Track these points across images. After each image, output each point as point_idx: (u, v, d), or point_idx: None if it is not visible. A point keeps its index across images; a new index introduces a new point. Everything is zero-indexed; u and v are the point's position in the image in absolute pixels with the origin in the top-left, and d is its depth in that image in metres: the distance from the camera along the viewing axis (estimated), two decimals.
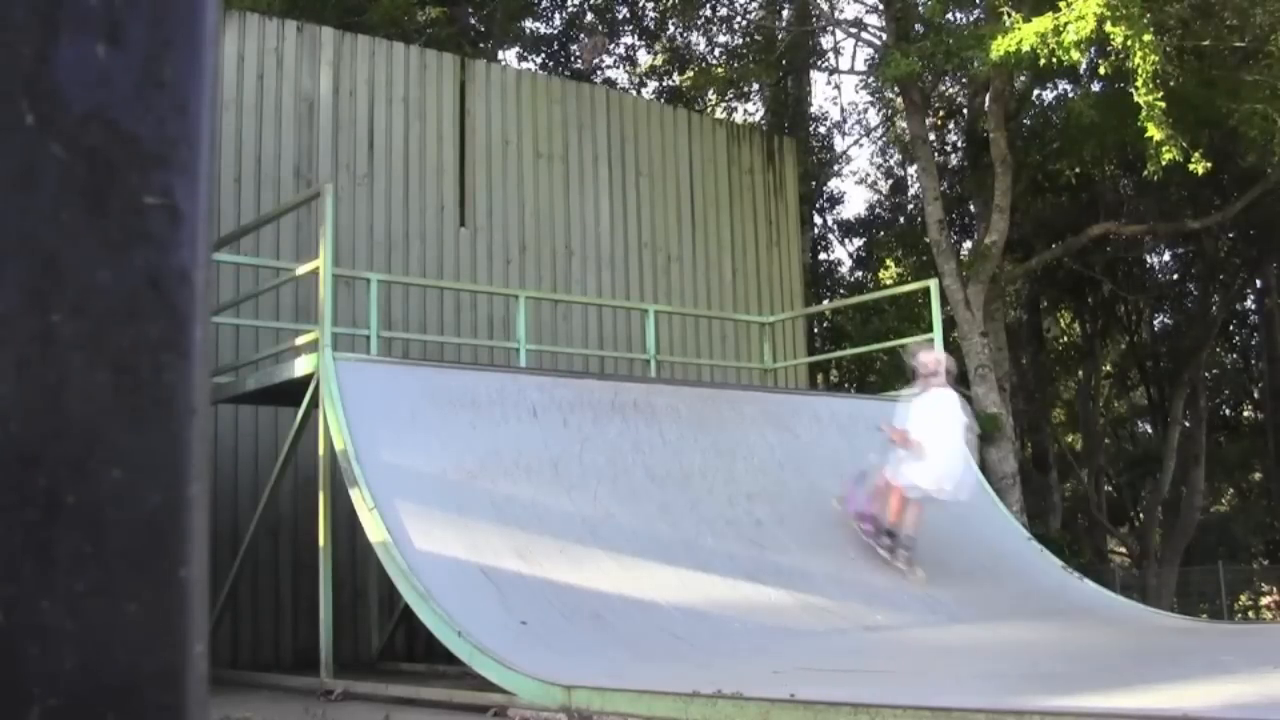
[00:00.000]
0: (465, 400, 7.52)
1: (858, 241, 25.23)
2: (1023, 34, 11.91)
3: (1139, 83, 11.87)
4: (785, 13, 20.75)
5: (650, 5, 21.64)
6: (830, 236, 24.55)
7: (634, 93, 20.27)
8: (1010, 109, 16.42)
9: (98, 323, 0.61)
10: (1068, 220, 20.40)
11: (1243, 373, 27.95)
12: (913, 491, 7.95)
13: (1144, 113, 12.00)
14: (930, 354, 8.43)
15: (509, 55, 20.58)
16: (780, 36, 20.25)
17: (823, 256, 24.20)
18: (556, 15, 21.26)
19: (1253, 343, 26.85)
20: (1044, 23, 11.73)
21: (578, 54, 20.70)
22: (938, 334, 10.11)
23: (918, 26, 15.71)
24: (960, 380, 15.45)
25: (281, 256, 9.61)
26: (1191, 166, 12.30)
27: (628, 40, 22.17)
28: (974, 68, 13.92)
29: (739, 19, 21.48)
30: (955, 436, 8.05)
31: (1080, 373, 25.63)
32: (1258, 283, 24.28)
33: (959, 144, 21.92)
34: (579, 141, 12.14)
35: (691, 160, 12.97)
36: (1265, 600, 26.04)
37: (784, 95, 20.94)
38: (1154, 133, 11.95)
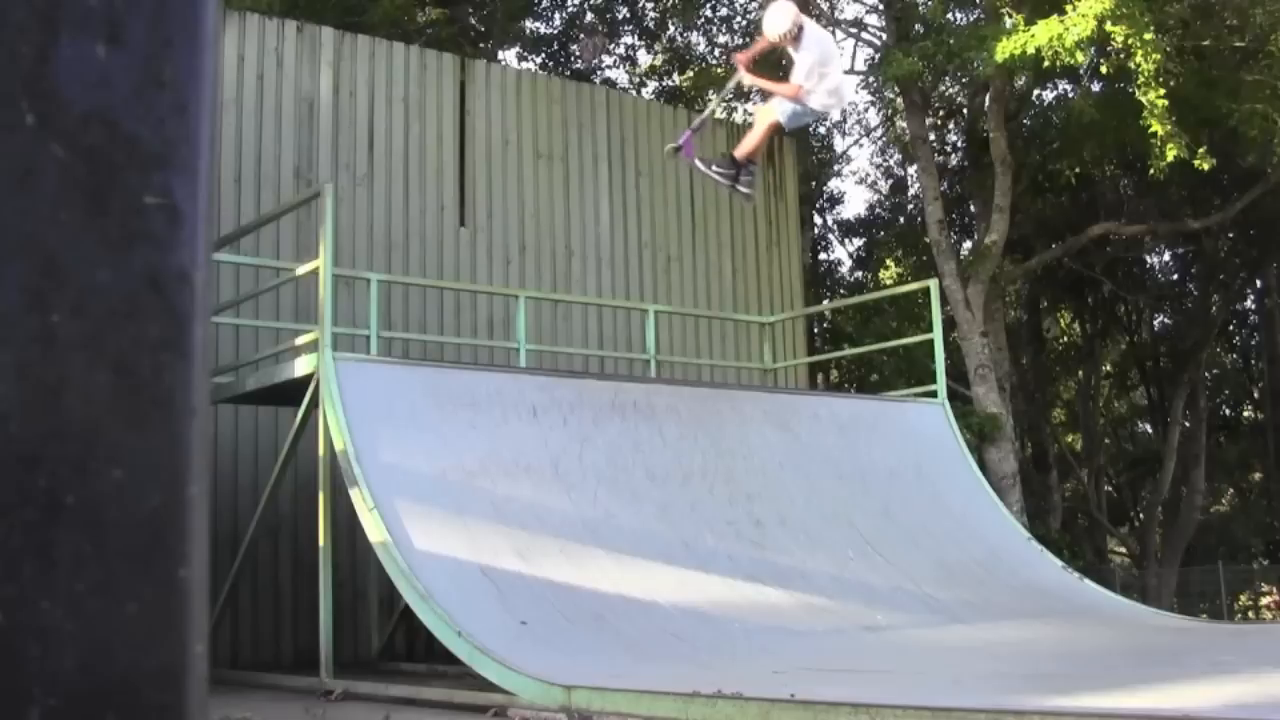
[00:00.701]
0: (465, 400, 7.51)
1: (858, 241, 25.25)
2: (1031, 35, 11.91)
3: (1140, 81, 11.88)
4: None
5: (650, 5, 21.64)
6: (830, 236, 24.57)
7: (634, 93, 20.27)
8: (1010, 109, 16.42)
9: (98, 323, 0.61)
10: (1068, 220, 20.41)
11: (1243, 373, 27.95)
12: (800, 117, 7.99)
13: (1146, 111, 12.02)
14: (784, 10, 7.71)
15: (509, 55, 20.60)
16: None
17: (823, 256, 24.22)
18: (556, 15, 21.28)
19: (1253, 343, 26.86)
20: (1053, 25, 11.74)
21: (578, 54, 20.70)
22: (938, 334, 10.12)
23: (918, 26, 15.71)
24: (960, 380, 15.48)
25: (281, 256, 9.60)
26: (1196, 163, 12.33)
27: (628, 40, 22.19)
28: (975, 68, 13.93)
29: (739, 19, 21.50)
30: (838, 59, 8.13)
31: (1080, 373, 25.63)
32: (1258, 283, 24.29)
33: (959, 144, 21.93)
34: (579, 141, 12.13)
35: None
36: (1265, 600, 26.04)
37: None
38: (1158, 128, 11.95)
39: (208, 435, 0.65)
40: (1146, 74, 11.71)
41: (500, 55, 19.31)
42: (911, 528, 8.66)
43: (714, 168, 8.27)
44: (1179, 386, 22.56)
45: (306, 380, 7.20)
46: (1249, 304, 25.80)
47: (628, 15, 21.62)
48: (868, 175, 25.70)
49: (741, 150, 8.16)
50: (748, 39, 21.16)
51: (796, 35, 7.76)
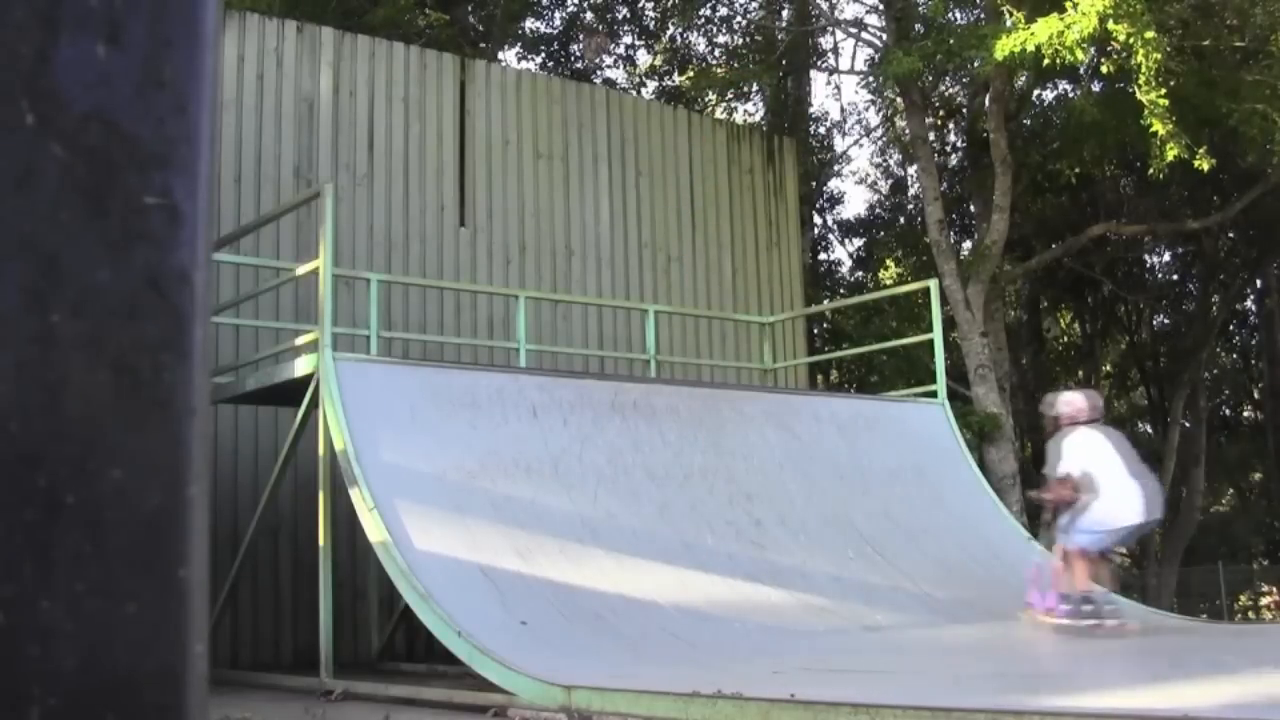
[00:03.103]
0: (465, 400, 7.52)
1: (858, 241, 25.24)
2: (1031, 33, 11.90)
3: (1141, 81, 11.88)
4: (785, 13, 20.75)
5: (650, 5, 21.64)
6: (830, 236, 24.55)
7: (634, 93, 20.27)
8: (1010, 109, 16.42)
9: (98, 323, 0.60)
10: (1068, 220, 20.41)
11: (1243, 373, 27.95)
12: (1100, 539, 7.06)
13: (1147, 111, 12.01)
14: (1073, 397, 7.39)
15: (509, 55, 20.59)
16: (780, 36, 20.25)
17: (823, 256, 24.19)
18: (556, 15, 21.28)
19: (1253, 343, 26.85)
20: (1052, 23, 11.73)
21: (579, 53, 20.71)
22: (938, 334, 10.11)
23: (918, 26, 15.71)
24: (960, 380, 15.48)
25: (281, 256, 9.60)
26: (1196, 163, 12.32)
27: (628, 40, 22.19)
28: (976, 67, 13.92)
29: (739, 19, 21.49)
30: (1119, 460, 7.04)
31: (1080, 373, 25.62)
32: (1258, 283, 24.28)
33: (959, 144, 21.93)
34: (579, 141, 12.13)
35: (691, 160, 12.97)
36: (1265, 600, 26.04)
37: (784, 95, 20.94)
38: (1159, 128, 11.95)
39: (208, 435, 0.65)
40: (1147, 73, 11.70)
41: (500, 55, 19.31)
42: (911, 528, 8.65)
43: (1064, 615, 7.00)
44: (1179, 386, 22.55)
45: (306, 380, 7.21)
46: (1249, 304, 25.80)
47: (628, 15, 21.62)
48: (868, 175, 25.69)
49: (1075, 588, 7.08)
50: (747, 39, 21.18)
51: (1061, 429, 7.19)
